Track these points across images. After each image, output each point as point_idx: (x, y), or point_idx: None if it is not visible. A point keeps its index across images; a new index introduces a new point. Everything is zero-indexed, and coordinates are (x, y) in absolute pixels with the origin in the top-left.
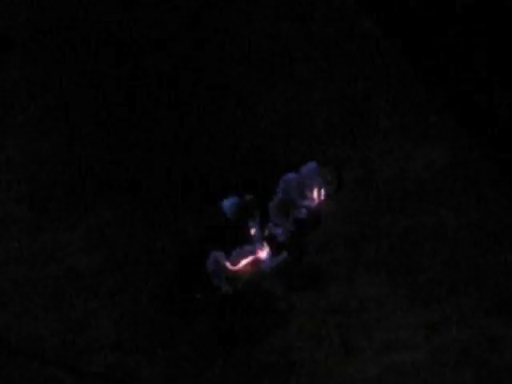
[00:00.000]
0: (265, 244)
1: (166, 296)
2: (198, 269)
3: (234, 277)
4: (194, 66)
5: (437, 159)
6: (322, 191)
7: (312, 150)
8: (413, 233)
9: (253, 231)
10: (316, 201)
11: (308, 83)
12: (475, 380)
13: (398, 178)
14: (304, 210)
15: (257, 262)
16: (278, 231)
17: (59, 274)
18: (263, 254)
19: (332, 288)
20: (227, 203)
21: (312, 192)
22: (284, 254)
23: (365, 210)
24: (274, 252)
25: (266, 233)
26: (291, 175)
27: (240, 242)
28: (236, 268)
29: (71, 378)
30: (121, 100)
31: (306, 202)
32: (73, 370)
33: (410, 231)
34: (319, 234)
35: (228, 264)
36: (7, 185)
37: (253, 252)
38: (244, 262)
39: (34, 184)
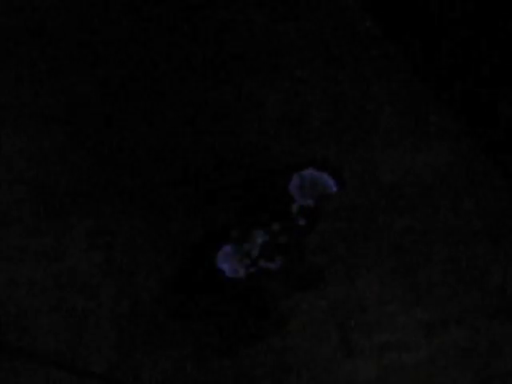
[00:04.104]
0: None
1: (166, 296)
2: (198, 269)
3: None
4: (193, 66)
5: (437, 159)
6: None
7: (312, 149)
8: (413, 232)
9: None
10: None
11: (308, 83)
12: (476, 382)
13: (397, 178)
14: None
15: None
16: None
17: (59, 274)
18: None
19: (332, 288)
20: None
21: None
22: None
23: (365, 209)
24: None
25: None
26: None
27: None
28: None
29: (71, 378)
30: (122, 99)
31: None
32: (73, 370)
33: (409, 231)
34: (319, 233)
35: None
36: (7, 185)
37: None
38: None
39: (34, 184)
